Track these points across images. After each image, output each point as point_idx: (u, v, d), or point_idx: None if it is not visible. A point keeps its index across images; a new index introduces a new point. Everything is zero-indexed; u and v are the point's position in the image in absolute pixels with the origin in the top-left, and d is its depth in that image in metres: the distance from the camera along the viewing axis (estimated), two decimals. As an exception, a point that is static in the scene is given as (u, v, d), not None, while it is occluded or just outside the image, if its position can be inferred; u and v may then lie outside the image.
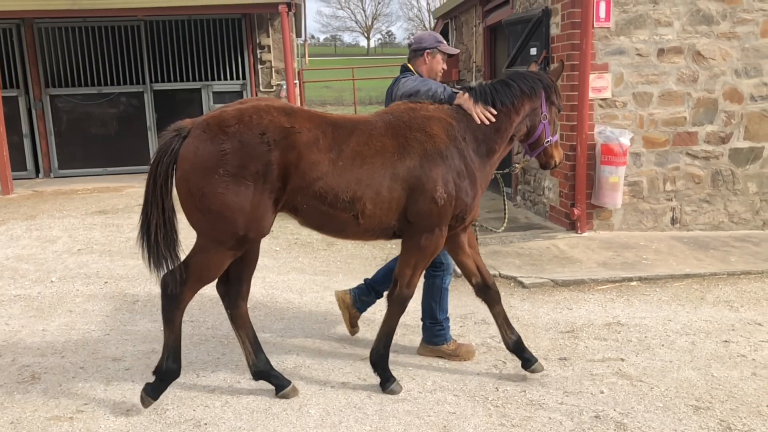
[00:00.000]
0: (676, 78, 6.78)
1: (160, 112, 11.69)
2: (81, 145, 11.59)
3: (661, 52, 6.73)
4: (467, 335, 4.51)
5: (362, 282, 4.33)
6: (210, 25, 11.61)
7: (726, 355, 4.10)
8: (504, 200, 4.20)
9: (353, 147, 3.33)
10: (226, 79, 11.76)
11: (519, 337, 3.84)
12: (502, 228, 4.28)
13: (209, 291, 5.30)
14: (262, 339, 4.39)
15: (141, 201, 9.53)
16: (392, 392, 3.60)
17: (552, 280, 5.45)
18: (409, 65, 4.08)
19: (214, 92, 11.76)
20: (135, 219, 7.84)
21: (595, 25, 6.53)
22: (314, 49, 69.27)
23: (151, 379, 3.45)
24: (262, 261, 6.13)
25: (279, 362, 4.03)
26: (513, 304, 5.10)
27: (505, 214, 4.21)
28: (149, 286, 5.45)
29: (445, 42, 4.13)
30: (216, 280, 3.55)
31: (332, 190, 3.27)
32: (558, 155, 3.84)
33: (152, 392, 3.39)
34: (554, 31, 7.02)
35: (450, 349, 4.12)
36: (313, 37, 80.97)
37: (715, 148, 6.98)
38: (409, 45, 4.15)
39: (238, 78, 11.76)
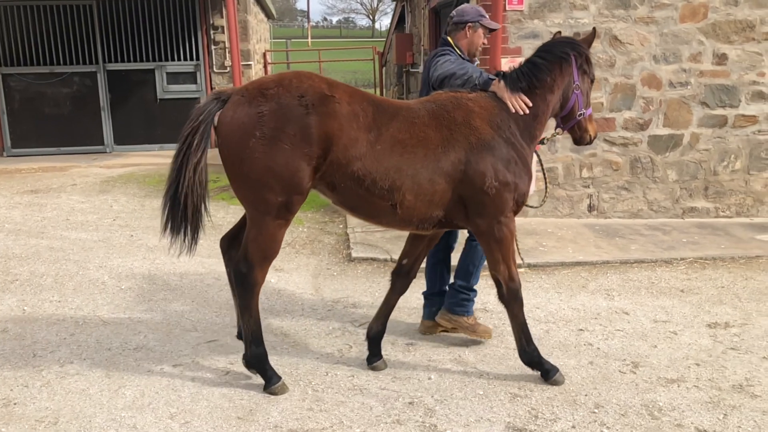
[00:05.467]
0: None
1: (114, 92, 11.65)
2: (34, 125, 11.57)
3: (576, 36, 6.62)
4: (330, 318, 4.49)
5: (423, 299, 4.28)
6: (163, 4, 11.52)
7: (573, 344, 4.07)
8: (544, 175, 4.10)
9: (393, 133, 3.27)
10: (179, 59, 11.70)
11: (382, 333, 3.80)
12: (540, 204, 4.22)
13: (93, 273, 5.33)
14: (115, 318, 4.43)
15: (78, 180, 9.46)
16: (556, 382, 3.51)
17: (439, 266, 5.41)
18: (449, 38, 4.00)
19: (168, 73, 11.69)
20: (62, 199, 7.93)
21: (507, 8, 6.44)
22: (323, 31, 68.80)
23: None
24: (161, 242, 6.17)
25: (123, 342, 4.05)
26: (391, 289, 5.08)
27: (545, 186, 4.12)
28: (36, 265, 5.46)
29: (487, 16, 4.05)
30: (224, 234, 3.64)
31: (370, 175, 3.22)
32: (593, 129, 3.74)
33: (264, 380, 3.44)
34: (472, 13, 6.91)
35: (469, 323, 4.06)
36: (325, 19, 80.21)
37: (633, 135, 6.90)
38: (451, 17, 4.06)
39: (191, 59, 11.69)
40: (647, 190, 7.02)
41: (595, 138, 3.81)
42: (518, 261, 4.61)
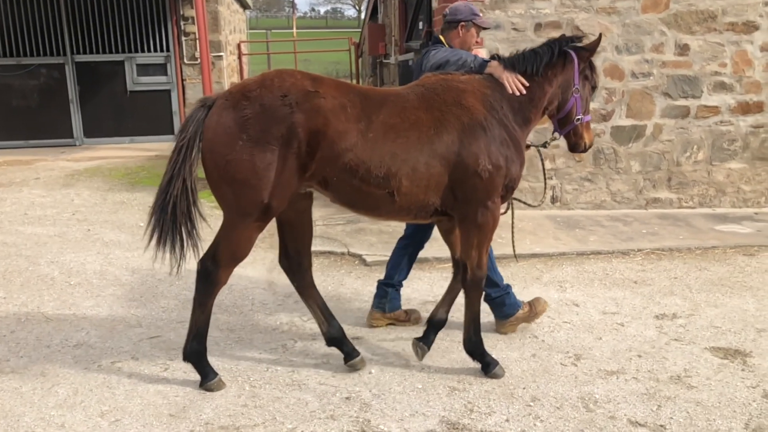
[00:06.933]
0: (555, 54, 6.65)
1: (83, 85, 11.50)
2: (1, 118, 11.42)
3: (538, 26, 6.60)
4: (279, 313, 4.46)
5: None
6: (132, -5, 11.38)
7: (518, 336, 4.06)
8: (544, 172, 4.05)
9: (384, 119, 3.23)
10: (149, 51, 11.56)
11: (444, 322, 3.74)
12: (539, 202, 4.20)
13: (43, 268, 5.26)
14: (59, 315, 4.37)
15: (42, 174, 9.32)
16: (495, 376, 3.51)
17: (395, 259, 5.38)
18: (441, 37, 3.96)
19: (138, 64, 11.56)
20: (24, 193, 7.82)
21: (468, -1, 6.38)
22: (309, 21, 68.51)
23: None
24: (117, 236, 6.10)
25: (63, 339, 3.99)
26: (345, 282, 5.05)
27: (544, 187, 4.08)
28: (-14, 261, 5.39)
29: (481, 15, 4.01)
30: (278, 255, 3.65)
31: (364, 164, 3.18)
32: (588, 137, 3.69)
33: (201, 375, 3.42)
34: (434, 4, 6.88)
35: (526, 313, 4.04)
36: (313, 10, 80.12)
37: (596, 126, 6.88)
38: (444, 15, 4.02)
39: (161, 50, 11.56)
40: (610, 182, 7.02)
41: (590, 147, 3.77)
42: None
